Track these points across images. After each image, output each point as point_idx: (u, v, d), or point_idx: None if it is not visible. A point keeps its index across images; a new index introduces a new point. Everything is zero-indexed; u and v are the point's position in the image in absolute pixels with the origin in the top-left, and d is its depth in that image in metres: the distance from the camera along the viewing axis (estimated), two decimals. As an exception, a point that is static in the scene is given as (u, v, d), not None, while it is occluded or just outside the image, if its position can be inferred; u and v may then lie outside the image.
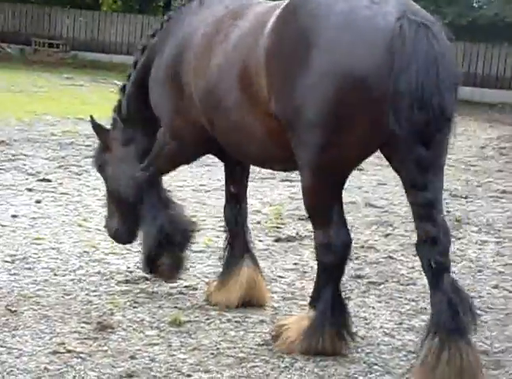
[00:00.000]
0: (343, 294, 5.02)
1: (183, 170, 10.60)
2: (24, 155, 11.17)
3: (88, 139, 12.28)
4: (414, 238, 8.12)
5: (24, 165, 10.47)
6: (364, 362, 4.88)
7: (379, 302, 6.04)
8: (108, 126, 6.23)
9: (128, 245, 6.92)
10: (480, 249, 7.81)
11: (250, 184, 9.48)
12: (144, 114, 5.93)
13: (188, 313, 5.52)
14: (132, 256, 6.74)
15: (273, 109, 4.73)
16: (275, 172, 10.07)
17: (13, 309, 5.37)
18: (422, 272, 6.52)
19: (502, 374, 4.82)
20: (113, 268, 6.38)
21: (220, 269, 5.89)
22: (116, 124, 6.16)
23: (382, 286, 6.44)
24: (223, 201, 5.93)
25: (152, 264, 5.89)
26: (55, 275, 6.16)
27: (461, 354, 4.38)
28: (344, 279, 6.32)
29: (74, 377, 4.46)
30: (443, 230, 4.47)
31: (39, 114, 15.23)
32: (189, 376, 4.56)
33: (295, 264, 6.87)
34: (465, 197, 10.41)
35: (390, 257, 7.25)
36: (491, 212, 9.55)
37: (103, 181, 6.26)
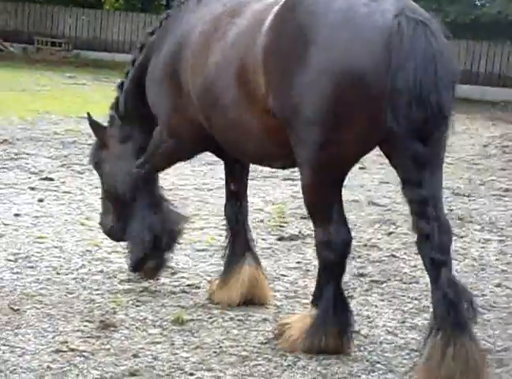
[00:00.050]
0: (345, 292, 5.02)
1: (185, 168, 10.63)
2: (27, 153, 11.18)
3: (91, 138, 12.22)
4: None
5: (27, 164, 10.47)
6: (367, 361, 4.87)
7: (382, 300, 6.04)
8: (105, 123, 6.24)
9: (131, 244, 6.94)
10: (482, 247, 7.81)
11: (252, 183, 9.47)
12: (142, 112, 5.95)
13: (191, 312, 5.52)
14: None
15: (271, 106, 4.73)
16: (277, 171, 10.08)
17: (16, 307, 5.38)
18: (424, 271, 6.54)
19: (505, 372, 4.82)
20: (115, 267, 6.38)
21: (223, 268, 5.90)
22: (113, 121, 6.19)
23: (385, 284, 6.44)
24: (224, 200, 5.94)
25: (138, 264, 5.92)
26: (58, 273, 6.16)
27: (465, 349, 4.38)
28: (346, 277, 6.33)
29: (77, 375, 4.46)
30: (443, 228, 4.46)
31: (42, 113, 15.24)
32: (191, 374, 4.56)
33: (298, 262, 6.87)
34: (468, 196, 10.40)
35: (393, 256, 7.24)
36: (494, 211, 9.54)
37: (100, 178, 6.29)
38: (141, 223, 5.86)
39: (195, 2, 5.68)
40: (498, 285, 6.58)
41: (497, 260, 7.38)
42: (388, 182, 10.77)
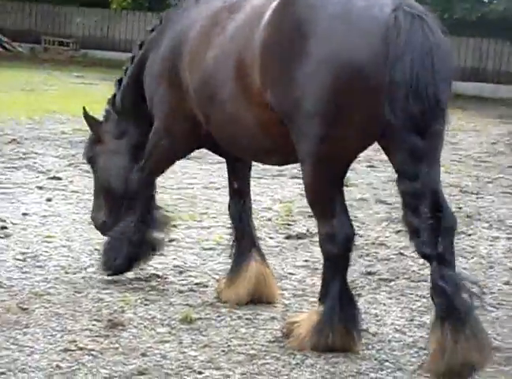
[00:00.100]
0: (352, 289, 5.02)
1: (193, 167, 10.64)
2: (35, 153, 11.20)
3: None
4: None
5: (35, 163, 10.49)
6: (375, 359, 4.87)
7: (390, 298, 6.03)
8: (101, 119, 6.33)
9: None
10: (491, 245, 7.79)
11: (260, 181, 9.48)
12: (139, 109, 6.00)
13: (199, 311, 5.53)
14: (143, 253, 6.75)
15: (269, 101, 4.76)
16: (285, 169, 10.07)
17: (25, 306, 5.39)
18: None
19: (514, 370, 4.82)
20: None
21: (230, 266, 5.90)
22: (109, 116, 6.27)
23: (393, 282, 6.43)
24: (232, 198, 5.96)
25: (106, 265, 6.01)
26: (66, 273, 6.17)
27: (466, 336, 4.39)
28: (354, 275, 6.37)
29: (86, 374, 4.47)
30: (445, 221, 4.46)
31: (50, 113, 15.26)
32: (200, 373, 4.57)
33: (306, 260, 6.87)
34: (476, 193, 10.38)
35: (401, 254, 7.23)
36: (502, 208, 9.52)
37: (93, 172, 6.34)
38: (130, 227, 5.92)
39: (194, 0, 5.74)
40: (507, 283, 6.56)
41: (505, 257, 7.36)
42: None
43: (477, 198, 10.10)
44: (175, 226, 7.71)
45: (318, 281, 6.08)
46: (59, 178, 9.62)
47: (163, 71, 5.67)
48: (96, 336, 4.98)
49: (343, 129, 4.55)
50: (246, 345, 4.98)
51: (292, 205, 8.96)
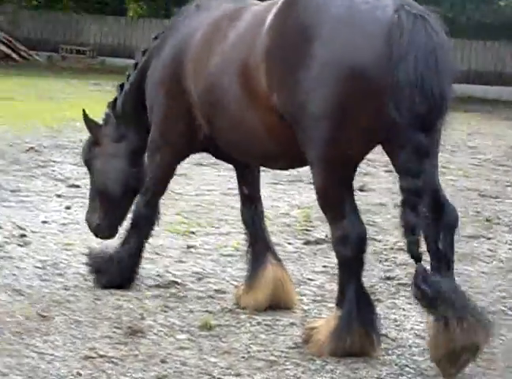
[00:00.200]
0: (371, 295, 5.01)
1: (211, 174, 10.65)
2: (53, 161, 11.24)
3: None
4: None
5: (54, 171, 10.53)
6: (396, 364, 4.85)
7: (409, 303, 6.00)
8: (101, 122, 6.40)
9: (157, 250, 6.97)
10: (510, 249, 7.75)
11: (278, 187, 9.49)
12: (139, 115, 6.08)
13: (218, 317, 5.53)
14: (161, 260, 6.76)
15: (276, 105, 4.80)
16: (303, 175, 10.06)
17: (45, 314, 5.41)
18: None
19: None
20: (142, 273, 6.39)
21: (246, 272, 5.91)
22: (108, 120, 6.34)
23: (413, 287, 6.40)
24: (251, 205, 5.98)
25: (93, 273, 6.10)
26: (86, 280, 6.19)
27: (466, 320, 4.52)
28: (373, 280, 6.35)
29: (106, 381, 4.48)
30: (447, 218, 4.63)
31: (68, 121, 15.31)
32: (220, 379, 4.57)
33: (325, 266, 6.86)
34: (495, 197, 10.33)
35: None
36: (522, 212, 9.48)
37: (90, 175, 6.40)
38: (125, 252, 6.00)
39: (195, 8, 5.81)
40: (527, 287, 6.53)
41: (525, 261, 7.32)
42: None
43: (496, 202, 10.05)
44: (193, 232, 7.75)
45: (336, 287, 6.08)
46: (78, 186, 9.64)
47: (164, 78, 5.74)
48: (116, 343, 4.99)
49: (349, 130, 4.60)
50: (265, 351, 4.98)
51: (310, 211, 8.94)
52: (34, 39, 33.57)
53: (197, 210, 8.78)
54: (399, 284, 6.46)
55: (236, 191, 5.93)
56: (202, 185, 10.09)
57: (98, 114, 6.55)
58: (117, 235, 6.38)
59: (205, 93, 5.35)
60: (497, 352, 5.09)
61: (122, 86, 6.29)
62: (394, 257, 7.24)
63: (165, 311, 5.61)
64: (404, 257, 7.26)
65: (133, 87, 6.16)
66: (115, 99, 6.33)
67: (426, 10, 4.61)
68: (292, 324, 5.46)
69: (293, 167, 5.51)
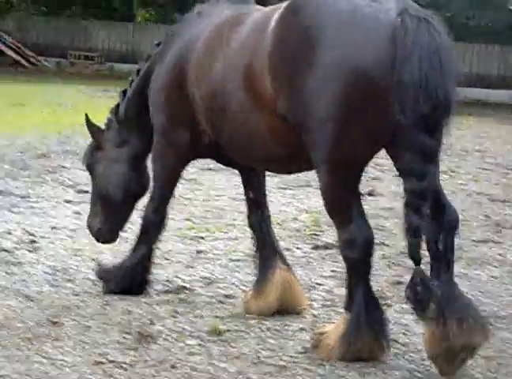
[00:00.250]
0: (381, 299, 5.01)
1: (220, 179, 10.66)
2: (63, 167, 11.27)
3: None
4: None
5: (63, 177, 10.56)
6: (406, 369, 4.85)
7: (419, 308, 5.99)
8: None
9: (167, 255, 6.98)
10: (520, 253, 7.74)
11: (286, 192, 9.48)
12: (142, 120, 6.11)
13: (227, 322, 5.53)
14: (171, 265, 6.77)
15: (281, 110, 4.83)
16: (312, 179, 10.06)
17: (55, 320, 5.42)
18: (462, 278, 6.50)
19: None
20: (152, 278, 6.40)
21: (255, 277, 5.91)
22: (111, 125, 6.38)
23: (422, 292, 6.38)
24: (260, 209, 5.98)
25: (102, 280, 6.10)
26: (95, 285, 6.20)
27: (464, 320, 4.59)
28: (383, 285, 6.34)
29: (116, 387, 4.49)
30: (448, 219, 4.63)
31: (77, 127, 15.34)
32: (230, 385, 4.57)
33: (334, 271, 6.85)
34: (504, 201, 10.32)
35: (429, 263, 7.17)
36: (531, 216, 9.46)
37: (91, 179, 6.42)
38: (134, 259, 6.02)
39: (197, 15, 5.86)
40: (537, 291, 6.51)
41: (535, 266, 7.30)
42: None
43: (506, 206, 10.03)
44: (202, 238, 7.75)
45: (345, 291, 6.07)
46: (87, 192, 9.63)
47: (167, 84, 5.76)
48: (126, 349, 5.00)
49: (355, 132, 4.62)
50: (275, 356, 4.98)
51: (319, 215, 8.94)
52: (43, 45, 33.69)
53: (207, 215, 8.79)
54: (408, 289, 6.43)
55: (245, 196, 5.99)
56: (211, 191, 10.10)
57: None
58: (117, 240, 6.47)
59: (208, 98, 5.38)
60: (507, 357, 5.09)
61: (124, 92, 6.33)
62: (404, 262, 7.22)
63: (174, 316, 5.61)
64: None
65: (135, 93, 6.20)
66: (118, 105, 6.36)
67: (429, 13, 4.66)
68: (302, 329, 5.46)
69: (301, 171, 5.53)
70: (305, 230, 8.27)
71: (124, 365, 4.74)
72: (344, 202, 4.82)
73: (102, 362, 4.77)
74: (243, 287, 6.26)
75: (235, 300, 6.01)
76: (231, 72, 5.17)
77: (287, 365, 4.84)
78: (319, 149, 4.72)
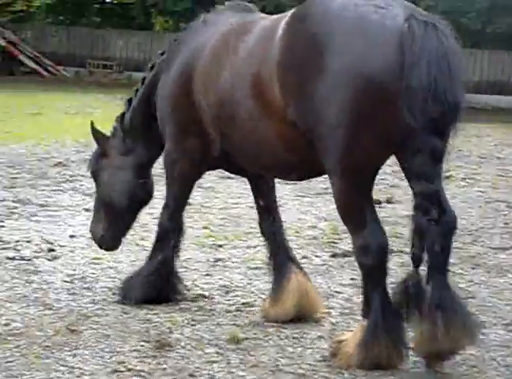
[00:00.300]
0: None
1: (238, 187, 10.66)
2: (81, 175, 11.30)
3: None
4: (472, 250, 8.04)
5: (81, 185, 10.59)
6: (425, 377, 4.82)
7: (438, 316, 5.96)
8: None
9: (185, 263, 6.98)
10: (540, 260, 7.69)
11: (304, 199, 9.45)
12: (148, 129, 6.16)
13: (246, 330, 5.52)
14: (189, 273, 6.77)
15: (292, 117, 4.85)
16: (329, 186, 10.04)
17: (73, 328, 5.43)
18: (481, 286, 6.48)
19: None
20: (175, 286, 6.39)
21: (271, 285, 5.91)
22: (116, 133, 6.41)
23: (441, 299, 6.35)
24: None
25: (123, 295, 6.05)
26: (114, 294, 6.20)
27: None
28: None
29: (135, 395, 4.49)
30: (446, 219, 4.67)
31: (95, 135, 15.40)
32: (248, 393, 4.56)
33: (352, 279, 6.83)
34: (524, 208, 10.26)
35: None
36: (551, 223, 9.39)
37: (96, 186, 6.46)
38: (152, 266, 6.01)
39: (202, 23, 5.89)
40: (558, 299, 6.47)
41: (556, 273, 7.25)
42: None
43: (525, 213, 9.98)
44: (220, 246, 7.75)
45: (364, 299, 6.05)
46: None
47: (174, 92, 5.79)
48: (144, 357, 5.00)
49: (366, 138, 4.65)
50: (294, 364, 4.96)
51: (337, 223, 8.90)
52: (61, 55, 33.85)
53: (225, 223, 8.79)
54: (427, 296, 6.41)
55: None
56: (229, 199, 10.10)
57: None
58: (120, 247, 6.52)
59: (216, 106, 5.40)
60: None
61: (130, 101, 6.36)
62: (422, 269, 7.18)
63: (193, 324, 5.61)
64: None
65: (141, 101, 6.23)
66: (123, 114, 6.39)
67: (436, 17, 4.70)
68: (320, 337, 5.45)
69: (310, 177, 5.55)
70: (323, 238, 8.26)
71: (142, 374, 4.74)
72: (357, 207, 4.83)
73: (120, 371, 4.78)
74: (262, 295, 6.25)
75: (253, 308, 6.01)
76: (239, 80, 5.19)
77: (306, 374, 4.83)
78: (330, 155, 4.74)
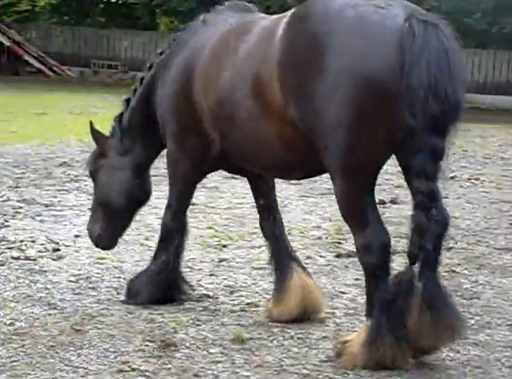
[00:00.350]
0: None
1: (242, 187, 10.65)
2: (86, 175, 11.25)
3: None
4: (477, 251, 8.04)
5: (86, 185, 10.58)
6: (430, 378, 4.82)
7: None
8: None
9: (189, 263, 6.98)
10: (544, 261, 7.68)
11: (309, 200, 9.46)
12: (146, 129, 6.16)
13: (251, 330, 5.52)
14: (193, 273, 6.77)
15: (292, 117, 4.86)
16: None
17: (78, 328, 5.44)
18: (486, 286, 6.48)
19: None
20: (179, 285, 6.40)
21: (273, 285, 5.91)
22: (114, 133, 6.40)
23: (446, 300, 6.35)
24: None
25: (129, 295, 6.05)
26: (118, 294, 6.21)
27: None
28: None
29: (139, 395, 4.49)
30: (438, 218, 4.70)
31: (100, 135, 15.42)
32: (253, 393, 4.56)
33: (357, 279, 6.83)
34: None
35: (453, 271, 7.16)
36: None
37: (94, 185, 6.46)
38: (158, 266, 6.01)
39: (202, 23, 5.88)
40: None
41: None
42: (446, 197, 10.65)
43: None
44: (224, 246, 7.76)
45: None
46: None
47: (174, 93, 5.79)
48: (149, 357, 5.00)
49: (367, 138, 4.67)
50: (298, 365, 4.97)
51: (342, 223, 8.90)
52: (66, 55, 33.90)
53: (229, 223, 8.79)
54: (432, 297, 6.40)
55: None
56: (234, 199, 10.11)
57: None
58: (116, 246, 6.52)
59: (216, 106, 5.41)
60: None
61: (128, 101, 6.35)
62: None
63: (198, 324, 5.62)
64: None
65: (139, 101, 6.22)
66: (121, 114, 6.39)
67: (436, 17, 4.72)
68: (325, 337, 5.45)
69: (311, 177, 5.57)
70: (328, 239, 8.26)
71: (147, 374, 4.75)
72: (358, 207, 4.84)
73: (125, 370, 4.79)
74: (266, 296, 6.25)
75: (258, 308, 6.01)
76: (238, 80, 5.20)
77: (310, 374, 4.83)
78: (331, 155, 4.75)
